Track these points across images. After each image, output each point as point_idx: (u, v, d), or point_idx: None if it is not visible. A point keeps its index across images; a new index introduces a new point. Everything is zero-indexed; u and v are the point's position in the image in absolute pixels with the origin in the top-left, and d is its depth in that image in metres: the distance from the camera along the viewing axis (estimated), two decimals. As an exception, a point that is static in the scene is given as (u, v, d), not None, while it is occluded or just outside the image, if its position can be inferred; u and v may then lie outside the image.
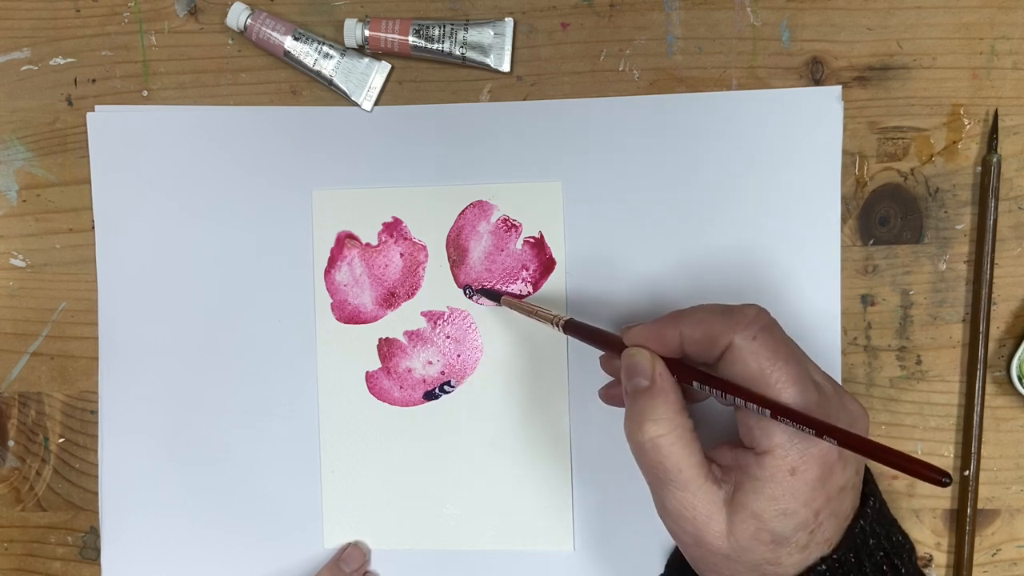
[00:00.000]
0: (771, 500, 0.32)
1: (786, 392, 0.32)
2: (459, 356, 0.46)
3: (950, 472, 0.27)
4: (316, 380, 0.47)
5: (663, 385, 0.35)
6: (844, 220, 0.44)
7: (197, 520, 0.47)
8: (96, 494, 0.48)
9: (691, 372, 0.35)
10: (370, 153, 0.46)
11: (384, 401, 0.46)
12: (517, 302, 0.44)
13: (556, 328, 0.41)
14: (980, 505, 0.44)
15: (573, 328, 0.40)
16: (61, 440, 0.48)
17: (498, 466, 0.46)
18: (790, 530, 0.32)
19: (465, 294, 0.46)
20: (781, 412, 0.31)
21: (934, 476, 0.27)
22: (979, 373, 0.43)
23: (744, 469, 0.33)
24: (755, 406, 0.32)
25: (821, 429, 0.30)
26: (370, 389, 0.46)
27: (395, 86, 0.46)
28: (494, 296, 0.45)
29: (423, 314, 0.46)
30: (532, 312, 0.43)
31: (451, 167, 0.46)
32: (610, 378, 0.42)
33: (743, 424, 0.34)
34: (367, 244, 0.46)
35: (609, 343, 0.38)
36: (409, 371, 0.46)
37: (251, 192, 0.47)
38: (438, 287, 0.46)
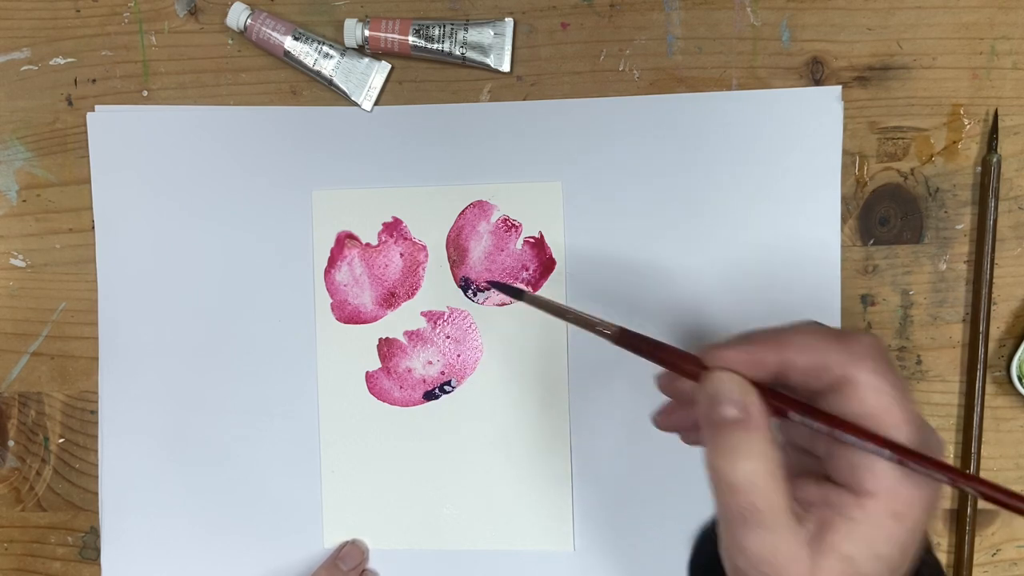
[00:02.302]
0: (867, 544, 0.30)
1: (902, 432, 0.29)
2: (459, 356, 0.46)
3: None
4: (316, 380, 0.47)
5: (758, 418, 0.31)
6: (844, 220, 0.44)
7: (197, 520, 0.47)
8: (96, 494, 0.48)
9: (789, 402, 0.31)
10: (370, 153, 0.46)
11: (384, 401, 0.46)
12: (546, 300, 0.39)
13: (603, 338, 0.34)
14: (980, 505, 0.44)
15: (628, 340, 0.34)
16: (61, 440, 0.48)
17: (498, 466, 0.46)
18: (879, 574, 0.30)
19: (458, 284, 0.46)
20: (909, 457, 0.28)
21: None
22: (979, 373, 0.43)
23: (837, 508, 0.30)
24: (872, 445, 0.29)
25: (958, 478, 0.28)
26: (370, 389, 0.46)
27: (395, 86, 0.46)
28: (515, 292, 0.42)
29: (423, 314, 0.46)
30: (563, 311, 0.37)
31: (451, 167, 0.46)
32: (665, 398, 0.36)
33: (844, 461, 0.30)
34: (367, 244, 0.46)
35: (678, 362, 0.33)
36: (409, 371, 0.46)
37: (251, 192, 0.47)
38: (438, 287, 0.46)
